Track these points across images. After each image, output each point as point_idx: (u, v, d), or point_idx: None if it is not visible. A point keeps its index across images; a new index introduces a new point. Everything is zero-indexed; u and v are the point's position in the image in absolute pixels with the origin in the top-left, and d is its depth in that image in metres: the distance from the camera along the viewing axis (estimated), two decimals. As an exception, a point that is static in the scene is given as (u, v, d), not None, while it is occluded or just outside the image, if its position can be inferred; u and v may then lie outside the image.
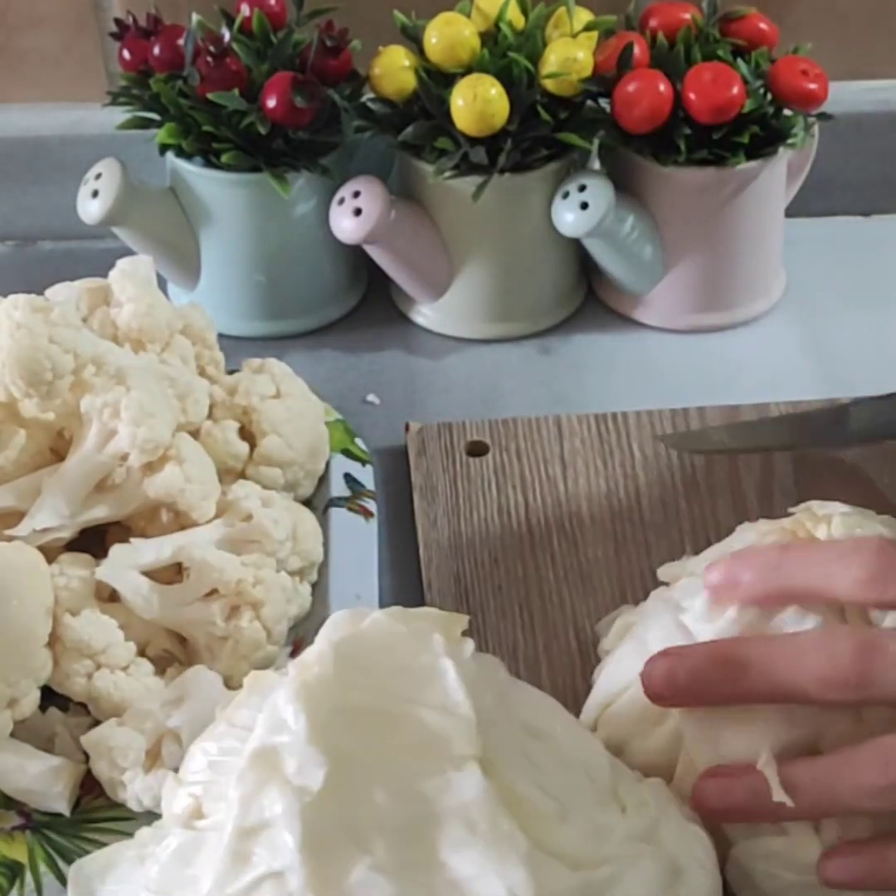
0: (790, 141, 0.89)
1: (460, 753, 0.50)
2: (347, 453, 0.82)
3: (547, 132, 0.88)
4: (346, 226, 0.90)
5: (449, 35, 0.87)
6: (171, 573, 0.70)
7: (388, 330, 0.96)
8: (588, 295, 0.98)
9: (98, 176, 0.90)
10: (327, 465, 0.80)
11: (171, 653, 0.70)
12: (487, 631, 0.74)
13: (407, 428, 0.85)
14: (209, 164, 0.89)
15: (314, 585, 0.75)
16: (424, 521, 0.80)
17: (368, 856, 0.48)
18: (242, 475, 0.76)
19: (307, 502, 0.78)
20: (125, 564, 0.68)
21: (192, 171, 0.90)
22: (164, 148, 0.90)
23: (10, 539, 0.68)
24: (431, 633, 0.53)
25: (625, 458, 0.83)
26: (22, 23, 0.99)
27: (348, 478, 0.80)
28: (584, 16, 0.89)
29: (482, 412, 0.88)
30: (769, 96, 0.88)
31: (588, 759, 0.55)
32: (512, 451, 0.84)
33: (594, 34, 0.88)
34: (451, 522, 0.79)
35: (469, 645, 0.53)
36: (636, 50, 0.88)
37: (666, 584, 0.68)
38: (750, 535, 0.65)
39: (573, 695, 0.70)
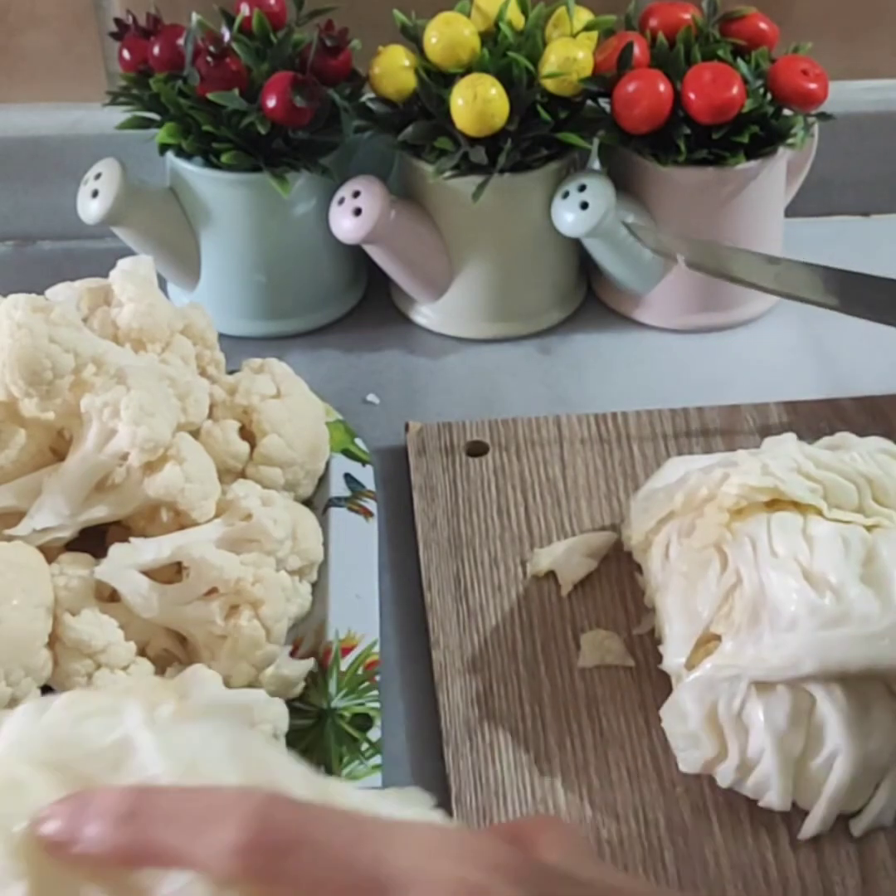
0: (790, 141, 0.89)
1: None
2: (347, 453, 0.82)
3: (547, 132, 0.88)
4: (346, 226, 0.90)
5: (449, 35, 0.88)
6: (171, 573, 0.70)
7: (388, 330, 0.96)
8: (588, 295, 0.98)
9: (98, 176, 0.90)
10: (327, 464, 0.81)
11: (171, 652, 0.70)
12: (486, 631, 0.74)
13: (407, 428, 0.85)
14: (209, 164, 0.89)
15: (314, 585, 0.75)
16: (424, 521, 0.80)
17: None
18: (242, 475, 0.76)
19: (307, 502, 0.79)
20: (125, 564, 0.68)
21: (192, 171, 0.90)
22: (164, 148, 0.90)
23: (10, 539, 0.68)
24: (128, 704, 0.46)
25: (625, 458, 0.83)
26: (22, 23, 0.99)
27: (348, 478, 0.80)
28: (583, 16, 0.89)
29: (482, 412, 0.88)
30: (769, 96, 0.88)
31: None
32: (512, 451, 0.84)
33: (594, 34, 0.89)
34: (451, 522, 0.79)
35: (169, 706, 0.47)
36: (636, 50, 0.88)
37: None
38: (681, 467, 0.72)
39: (572, 694, 0.70)
